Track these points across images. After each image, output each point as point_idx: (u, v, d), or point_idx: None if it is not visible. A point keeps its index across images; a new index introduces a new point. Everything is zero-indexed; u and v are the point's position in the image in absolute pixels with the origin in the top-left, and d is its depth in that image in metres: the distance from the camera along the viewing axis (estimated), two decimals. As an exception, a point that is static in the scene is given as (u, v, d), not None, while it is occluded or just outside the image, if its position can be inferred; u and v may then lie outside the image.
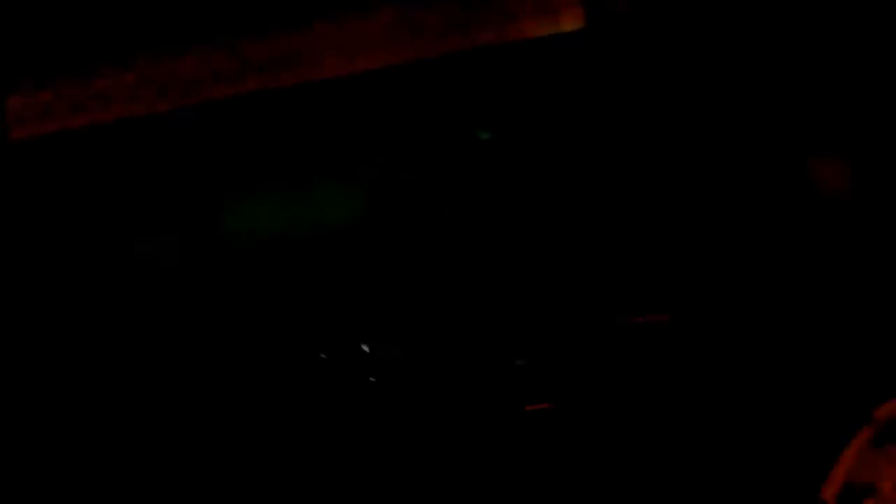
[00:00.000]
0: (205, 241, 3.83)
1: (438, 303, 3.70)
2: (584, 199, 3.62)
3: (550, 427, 3.54)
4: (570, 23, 3.64)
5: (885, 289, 3.21)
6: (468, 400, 3.65)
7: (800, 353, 3.28)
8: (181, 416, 3.78)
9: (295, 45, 3.82)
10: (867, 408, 2.37)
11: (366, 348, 3.74)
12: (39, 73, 3.95)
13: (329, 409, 3.70)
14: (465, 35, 3.69)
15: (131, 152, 3.93)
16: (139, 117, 3.90)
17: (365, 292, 3.73)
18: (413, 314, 3.70)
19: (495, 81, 3.67)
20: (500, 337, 3.66)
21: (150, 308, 3.84)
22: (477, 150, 3.69)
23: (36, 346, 3.90)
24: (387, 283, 3.72)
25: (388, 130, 3.73)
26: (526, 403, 3.59)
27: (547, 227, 3.65)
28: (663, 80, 3.55)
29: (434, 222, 3.70)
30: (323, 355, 3.75)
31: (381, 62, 3.75)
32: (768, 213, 3.42)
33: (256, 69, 3.82)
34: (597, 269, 3.61)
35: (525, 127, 3.66)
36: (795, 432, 3.18)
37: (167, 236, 3.88)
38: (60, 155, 3.94)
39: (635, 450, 3.44)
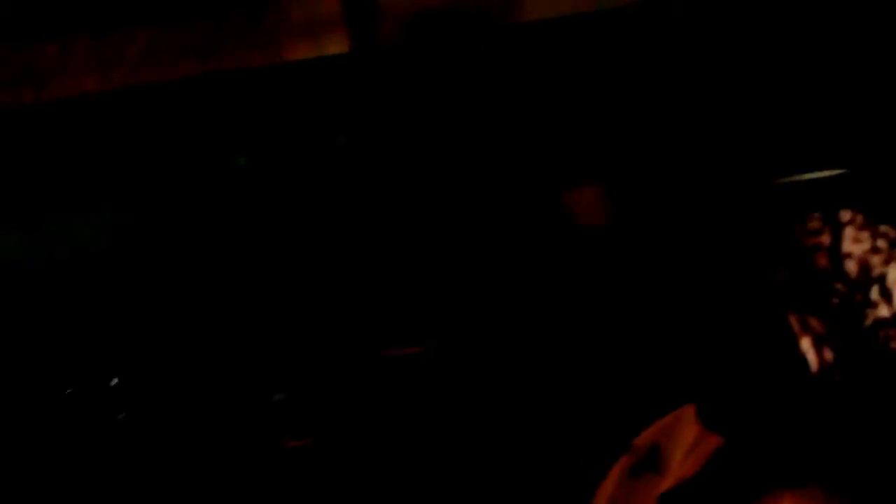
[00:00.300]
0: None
1: (191, 339, 3.58)
2: (340, 231, 3.56)
3: (310, 462, 3.44)
4: (335, 46, 3.58)
5: (641, 317, 3.24)
6: (223, 437, 3.53)
7: (557, 380, 3.28)
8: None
9: (46, 60, 3.64)
10: (626, 437, 2.34)
11: (116, 381, 3.58)
12: None
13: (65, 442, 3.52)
14: (224, 55, 3.58)
15: None
16: None
17: (111, 327, 3.57)
18: (162, 349, 3.56)
19: (256, 103, 3.58)
20: (256, 372, 3.55)
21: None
22: (234, 173, 3.59)
23: None
24: (129, 318, 3.57)
25: (141, 152, 3.59)
26: (285, 439, 3.50)
27: (302, 259, 3.57)
28: (425, 105, 3.52)
29: (185, 251, 3.58)
30: (69, 390, 3.58)
31: (140, 79, 3.60)
32: (521, 245, 3.43)
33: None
34: (350, 303, 3.56)
35: (284, 152, 3.58)
36: (554, 462, 3.17)
37: None
38: None
39: (394, 482, 3.38)
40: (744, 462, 2.18)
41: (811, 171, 3.01)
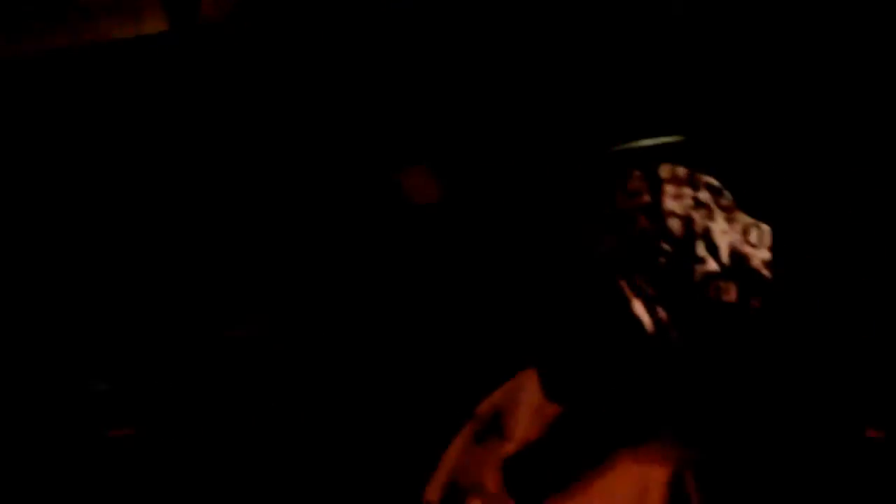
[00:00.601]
0: None
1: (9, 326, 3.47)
2: (168, 209, 3.49)
3: (138, 449, 3.37)
4: (153, 25, 3.49)
5: (482, 291, 3.25)
6: (43, 428, 3.42)
7: (396, 354, 3.27)
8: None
9: None
10: (468, 405, 2.34)
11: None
12: None
13: None
14: (35, 35, 3.46)
15: None
16: None
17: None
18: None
19: (73, 82, 3.47)
20: (81, 358, 3.46)
21: None
22: (56, 153, 3.49)
23: None
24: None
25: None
26: (109, 427, 3.41)
27: (133, 239, 3.50)
28: (247, 84, 3.47)
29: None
30: None
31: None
32: (354, 224, 3.41)
33: None
34: (187, 285, 3.50)
35: (106, 131, 3.49)
36: (397, 433, 3.16)
37: None
38: None
39: (232, 466, 3.33)
40: (585, 425, 2.20)
41: (632, 139, 3.08)
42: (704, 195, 2.06)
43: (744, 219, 2.09)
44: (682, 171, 2.07)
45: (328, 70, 3.49)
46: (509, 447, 2.28)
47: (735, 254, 2.05)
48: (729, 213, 2.07)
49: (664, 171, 2.07)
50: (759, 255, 2.07)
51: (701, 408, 2.12)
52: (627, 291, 2.04)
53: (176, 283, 3.51)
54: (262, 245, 3.52)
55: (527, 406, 2.31)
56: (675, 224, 2.03)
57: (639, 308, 2.04)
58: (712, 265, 2.02)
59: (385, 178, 3.41)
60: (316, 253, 3.47)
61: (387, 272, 3.35)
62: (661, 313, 2.03)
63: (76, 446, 3.41)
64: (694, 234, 2.03)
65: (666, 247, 2.02)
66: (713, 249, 2.03)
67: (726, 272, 2.04)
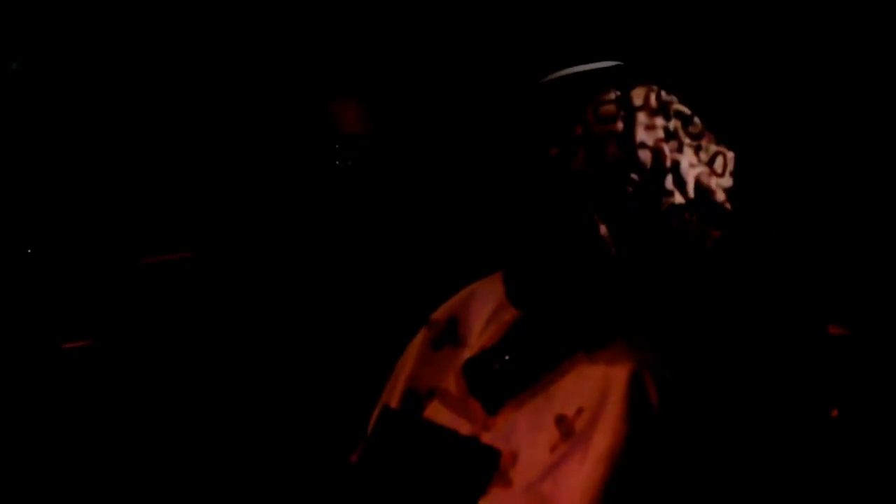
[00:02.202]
0: None
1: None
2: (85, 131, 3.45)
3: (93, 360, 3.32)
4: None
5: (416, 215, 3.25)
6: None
7: (346, 265, 3.25)
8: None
9: None
10: (422, 312, 2.34)
11: None
12: None
13: None
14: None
15: None
16: None
17: None
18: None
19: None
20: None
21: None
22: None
23: None
24: None
25: None
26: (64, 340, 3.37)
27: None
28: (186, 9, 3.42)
29: None
30: None
31: None
32: (287, 154, 3.39)
33: None
34: (111, 209, 3.45)
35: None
36: (350, 344, 3.16)
37: None
38: None
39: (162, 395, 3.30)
40: (544, 330, 2.21)
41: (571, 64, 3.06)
42: (675, 124, 2.10)
43: (710, 147, 2.14)
44: (654, 98, 2.11)
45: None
46: (466, 353, 2.29)
47: (700, 188, 2.10)
48: (696, 141, 2.11)
49: (637, 97, 2.11)
50: (723, 184, 2.13)
51: (658, 318, 2.15)
52: (594, 214, 2.06)
53: (111, 210, 3.46)
54: (195, 170, 3.48)
55: (482, 314, 2.33)
56: (645, 156, 2.07)
57: (604, 230, 2.07)
58: (678, 198, 2.07)
59: (316, 108, 3.38)
60: (250, 180, 3.44)
61: (327, 189, 3.32)
62: (625, 238, 2.07)
63: (31, 358, 3.36)
64: (663, 167, 2.07)
65: (635, 177, 2.07)
66: (681, 183, 2.08)
67: (691, 205, 2.10)
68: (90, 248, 3.45)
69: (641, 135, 2.07)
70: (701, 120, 2.13)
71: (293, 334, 3.28)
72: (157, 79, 3.49)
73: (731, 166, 2.14)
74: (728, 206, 2.13)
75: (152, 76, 3.50)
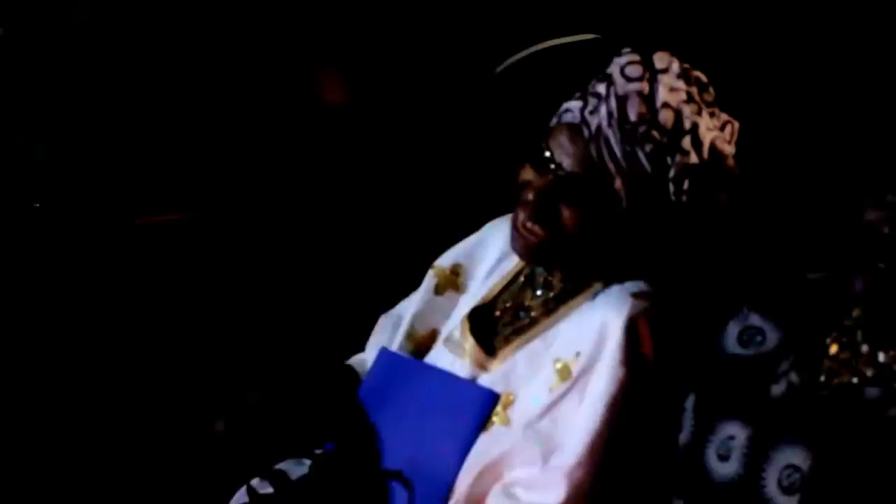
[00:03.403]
0: None
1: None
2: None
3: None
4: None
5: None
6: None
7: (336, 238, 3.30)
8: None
9: None
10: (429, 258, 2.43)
11: None
12: None
13: None
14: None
15: None
16: None
17: None
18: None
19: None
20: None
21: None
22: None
23: None
24: None
25: None
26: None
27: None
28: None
29: None
30: None
31: None
32: (278, 117, 3.43)
33: None
34: (105, 168, 3.49)
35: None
36: (353, 286, 3.22)
37: None
38: None
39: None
40: (545, 279, 2.31)
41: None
42: (694, 90, 2.20)
43: (721, 115, 2.25)
44: (676, 64, 2.21)
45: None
46: (468, 300, 2.39)
47: (715, 151, 2.21)
48: (711, 108, 2.22)
49: (660, 60, 2.21)
50: (730, 150, 2.25)
51: (657, 268, 2.25)
52: (611, 167, 2.16)
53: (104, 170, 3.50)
54: (186, 132, 3.52)
55: (486, 262, 2.42)
56: (667, 116, 2.17)
57: (619, 184, 2.16)
58: (693, 158, 2.17)
59: (297, 76, 3.43)
60: (242, 142, 3.49)
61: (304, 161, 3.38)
62: (640, 193, 2.17)
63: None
64: (683, 128, 2.16)
65: (656, 135, 2.15)
66: (697, 145, 2.19)
67: (704, 166, 2.19)
68: (85, 207, 3.48)
69: (665, 95, 2.17)
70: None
71: (285, 295, 3.35)
72: (151, 40, 3.52)
73: (736, 136, 2.26)
74: (736, 172, 2.24)
75: (145, 39, 3.52)
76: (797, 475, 1.94)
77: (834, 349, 2.00)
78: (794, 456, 1.95)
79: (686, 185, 2.17)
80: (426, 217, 3.24)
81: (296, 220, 3.39)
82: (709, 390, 2.10)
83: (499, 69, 3.08)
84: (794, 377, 2.01)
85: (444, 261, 2.48)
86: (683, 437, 2.10)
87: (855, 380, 1.97)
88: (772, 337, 2.09)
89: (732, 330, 2.13)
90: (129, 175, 3.51)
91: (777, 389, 2.02)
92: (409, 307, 2.46)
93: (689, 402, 2.11)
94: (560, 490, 2.10)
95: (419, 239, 2.72)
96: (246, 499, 2.26)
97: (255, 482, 2.30)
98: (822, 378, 1.99)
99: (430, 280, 2.46)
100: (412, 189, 3.34)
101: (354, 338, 2.57)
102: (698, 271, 2.27)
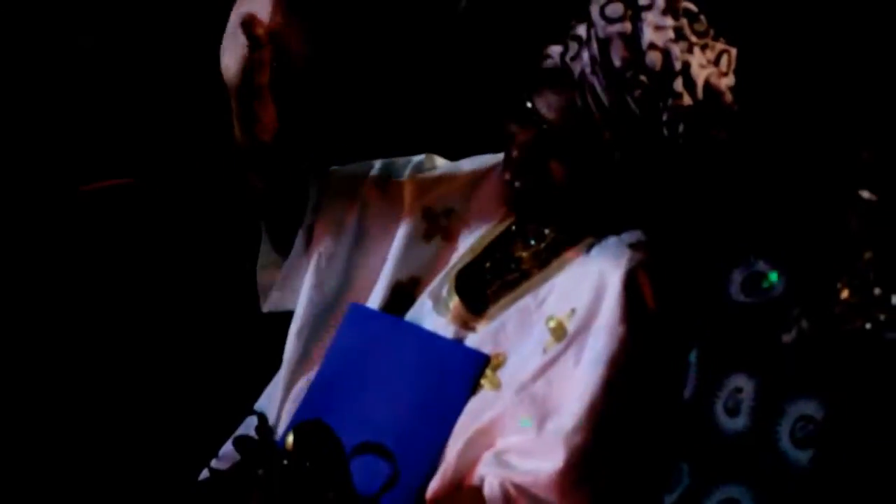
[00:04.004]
0: None
1: None
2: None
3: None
4: None
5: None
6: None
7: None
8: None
9: None
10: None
11: None
12: None
13: None
14: None
15: None
16: None
17: None
18: None
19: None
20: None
21: None
22: None
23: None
24: None
25: None
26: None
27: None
28: None
29: None
30: None
31: None
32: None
33: None
34: (51, 137, 3.37)
35: None
36: None
37: None
38: None
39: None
40: (538, 231, 2.18)
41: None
42: (683, 23, 2.03)
43: (716, 45, 2.08)
44: None
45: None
46: (455, 249, 2.22)
47: (710, 90, 2.04)
48: (703, 39, 2.05)
49: None
50: (728, 83, 2.08)
51: (654, 216, 2.12)
52: (598, 117, 2.02)
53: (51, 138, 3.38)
54: (134, 95, 3.40)
55: (477, 210, 2.25)
56: (654, 57, 2.01)
57: (608, 134, 2.02)
58: (687, 100, 2.02)
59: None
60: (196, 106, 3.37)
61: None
62: (631, 140, 2.03)
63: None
64: (673, 69, 2.01)
65: (644, 79, 2.00)
66: (690, 85, 2.03)
67: (699, 107, 2.03)
68: (28, 174, 3.36)
69: (651, 35, 2.00)
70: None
71: (241, 261, 3.23)
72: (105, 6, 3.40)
73: (734, 64, 2.09)
74: (735, 106, 2.08)
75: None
76: (811, 427, 1.83)
77: (845, 294, 1.88)
78: (808, 407, 1.84)
79: (681, 128, 2.02)
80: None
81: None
82: (713, 342, 1.98)
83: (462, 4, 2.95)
84: (804, 324, 1.90)
85: (436, 203, 2.27)
86: (688, 394, 1.98)
87: (868, 325, 1.85)
88: (779, 283, 1.97)
89: (737, 277, 1.99)
90: (74, 141, 3.38)
91: (787, 337, 1.91)
92: (394, 254, 2.25)
93: (693, 357, 1.99)
94: (558, 456, 1.96)
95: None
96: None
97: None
98: (834, 323, 1.88)
99: (418, 223, 2.26)
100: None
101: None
102: (698, 217, 2.15)
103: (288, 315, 2.45)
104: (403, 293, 2.22)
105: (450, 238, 2.24)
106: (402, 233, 2.26)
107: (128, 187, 3.35)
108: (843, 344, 1.86)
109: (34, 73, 3.41)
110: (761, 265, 1.98)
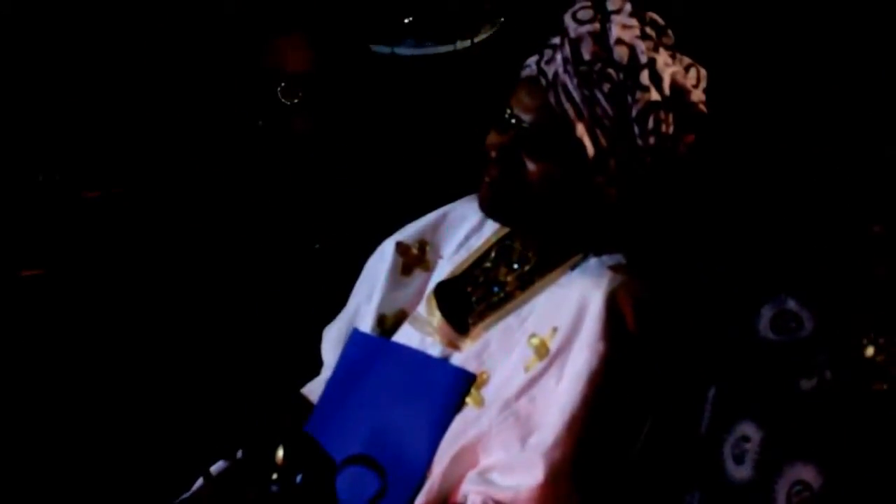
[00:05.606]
0: None
1: None
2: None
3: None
4: None
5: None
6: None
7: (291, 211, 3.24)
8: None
9: None
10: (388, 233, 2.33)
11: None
12: None
13: None
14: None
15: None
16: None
17: None
18: None
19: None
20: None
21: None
22: None
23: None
24: None
25: None
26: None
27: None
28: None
29: None
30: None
31: None
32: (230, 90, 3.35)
33: None
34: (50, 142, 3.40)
35: None
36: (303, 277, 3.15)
37: None
38: None
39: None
40: (517, 252, 2.23)
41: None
42: (649, 29, 2.12)
43: (684, 59, 2.17)
44: (629, 5, 2.14)
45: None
46: (436, 277, 2.30)
47: (676, 87, 2.12)
48: (670, 50, 2.13)
49: (613, 3, 2.13)
50: (697, 96, 2.15)
51: (631, 236, 2.17)
52: (571, 113, 2.08)
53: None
54: (132, 105, 3.43)
55: (453, 238, 2.33)
56: (622, 51, 2.09)
57: (581, 130, 2.08)
58: (654, 95, 2.08)
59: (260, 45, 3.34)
60: (191, 116, 3.40)
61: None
62: (602, 139, 2.08)
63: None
64: (639, 62, 2.08)
65: (612, 73, 2.07)
66: (656, 79, 2.10)
67: (666, 102, 2.10)
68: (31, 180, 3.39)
69: (619, 32, 2.09)
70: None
71: (235, 270, 3.27)
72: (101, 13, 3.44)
73: (704, 82, 2.16)
74: (703, 108, 2.15)
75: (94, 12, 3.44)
76: (806, 493, 1.86)
77: (870, 351, 1.89)
78: (805, 472, 1.86)
79: (651, 123, 2.08)
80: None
81: (240, 198, 3.31)
82: (732, 382, 2.00)
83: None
84: (828, 374, 1.90)
85: (407, 237, 2.37)
86: (703, 429, 2.01)
87: (885, 386, 1.87)
88: (808, 325, 1.97)
89: (767, 312, 2.01)
90: (73, 149, 3.42)
91: (807, 384, 1.92)
92: (375, 287, 2.36)
93: (711, 394, 2.02)
94: (537, 471, 2.00)
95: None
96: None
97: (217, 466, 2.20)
98: (857, 381, 1.89)
99: (394, 259, 2.35)
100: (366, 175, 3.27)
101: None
102: (677, 238, 2.19)
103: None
104: (393, 325, 2.32)
105: (429, 268, 2.33)
106: (382, 274, 2.36)
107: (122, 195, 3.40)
108: (858, 405, 1.87)
109: (34, 74, 3.45)
110: (792, 304, 1.99)
